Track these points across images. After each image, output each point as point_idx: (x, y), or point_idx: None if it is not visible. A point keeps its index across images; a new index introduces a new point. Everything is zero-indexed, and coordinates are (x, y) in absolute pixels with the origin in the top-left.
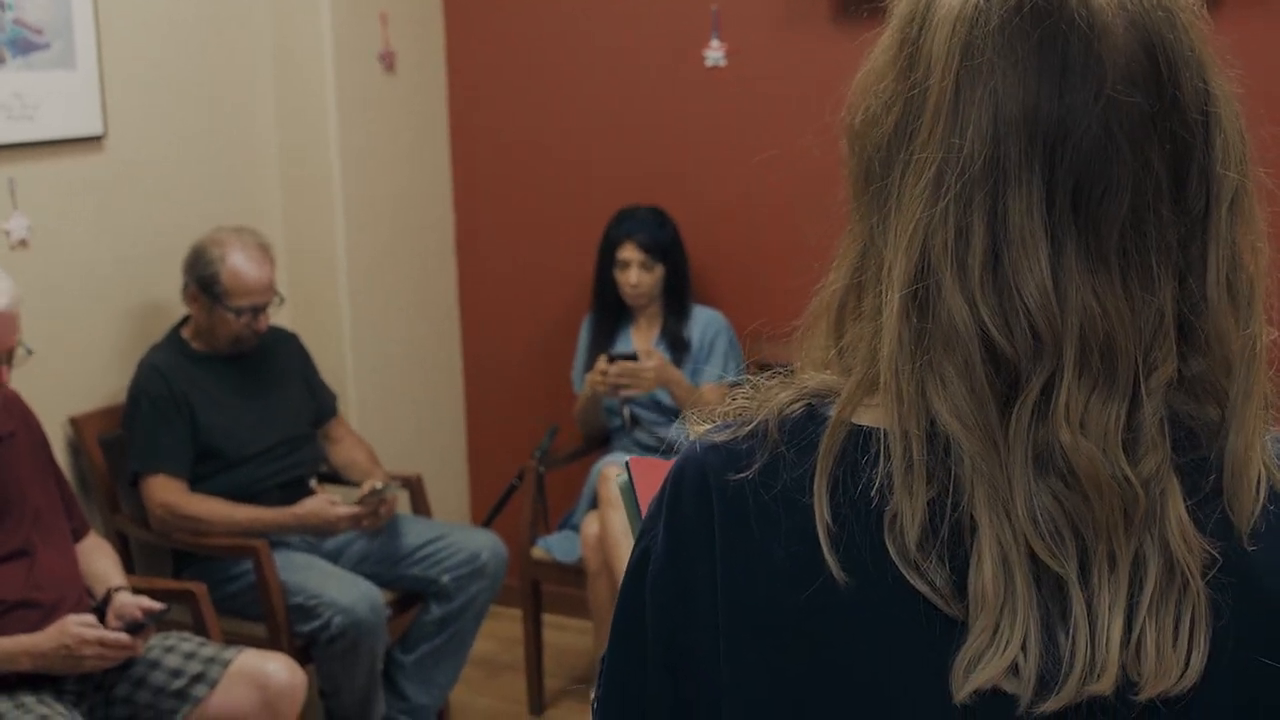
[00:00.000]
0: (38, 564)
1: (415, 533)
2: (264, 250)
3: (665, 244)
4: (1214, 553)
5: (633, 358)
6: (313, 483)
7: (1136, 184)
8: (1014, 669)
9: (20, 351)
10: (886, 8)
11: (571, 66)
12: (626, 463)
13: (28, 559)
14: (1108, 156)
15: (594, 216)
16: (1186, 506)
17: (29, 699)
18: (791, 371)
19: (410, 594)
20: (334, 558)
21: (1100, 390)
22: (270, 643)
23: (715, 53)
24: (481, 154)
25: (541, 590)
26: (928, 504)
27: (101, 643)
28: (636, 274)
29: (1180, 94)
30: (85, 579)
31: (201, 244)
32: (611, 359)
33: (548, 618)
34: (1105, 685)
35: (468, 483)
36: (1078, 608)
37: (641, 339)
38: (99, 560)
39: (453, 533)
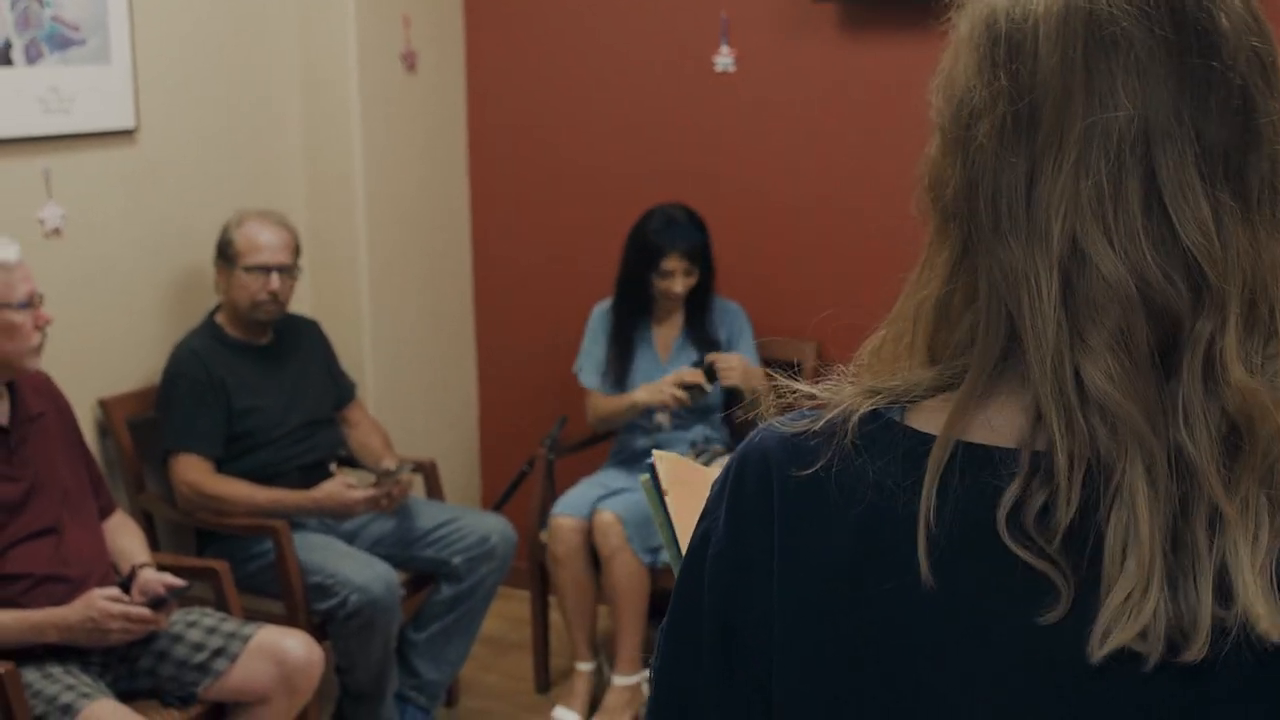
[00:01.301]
0: (66, 541)
1: (428, 516)
2: (282, 222)
3: (705, 249)
4: None
5: (709, 378)
6: (332, 466)
7: (1272, 137)
8: (1143, 633)
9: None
10: (894, 18)
11: (585, 69)
12: (650, 464)
13: (56, 535)
14: (1250, 109)
15: (605, 212)
16: None
17: (56, 669)
18: (856, 370)
19: (423, 574)
20: (350, 539)
21: (1258, 338)
22: (288, 620)
23: (725, 58)
24: (497, 151)
25: (548, 573)
26: (1081, 492)
27: (126, 617)
28: (681, 281)
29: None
30: (111, 555)
31: (227, 223)
32: (686, 387)
33: (555, 599)
34: (1269, 629)
35: (479, 468)
36: (1206, 564)
37: (664, 334)
38: (125, 538)
39: (464, 516)
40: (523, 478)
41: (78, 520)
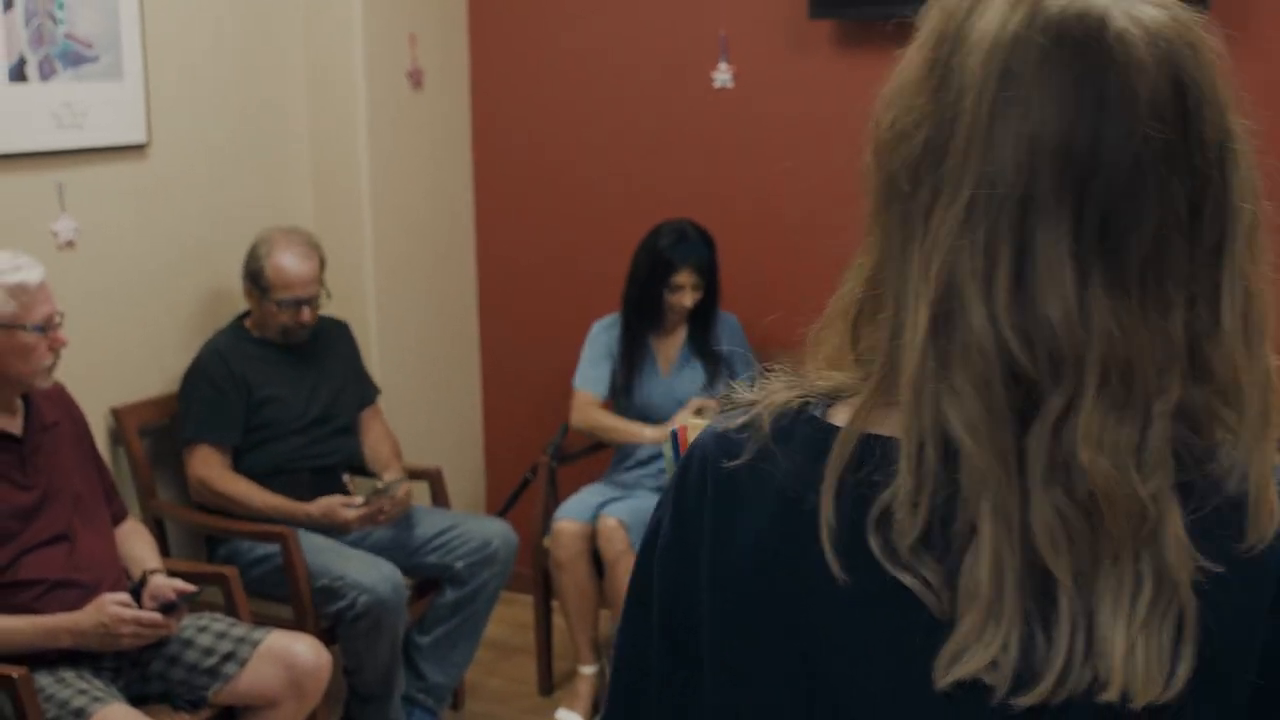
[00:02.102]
0: (78, 547)
1: (430, 522)
2: (310, 248)
3: (713, 264)
4: (1211, 567)
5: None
6: (345, 476)
7: (1160, 216)
8: (994, 664)
9: (58, 317)
10: (913, 25)
11: (587, 86)
12: (673, 431)
13: (69, 542)
14: (1136, 190)
15: (606, 224)
16: (1185, 525)
17: (69, 674)
18: (798, 370)
19: (427, 580)
20: (355, 545)
21: (1117, 411)
22: (296, 624)
23: (723, 75)
24: (501, 166)
25: (551, 577)
26: (929, 511)
27: (138, 622)
28: (691, 295)
29: (1203, 129)
30: (123, 561)
31: (255, 241)
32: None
33: (557, 604)
34: (1112, 693)
35: (484, 475)
36: (1065, 614)
37: (665, 348)
38: (136, 544)
39: (466, 522)
40: (525, 485)
41: (90, 527)
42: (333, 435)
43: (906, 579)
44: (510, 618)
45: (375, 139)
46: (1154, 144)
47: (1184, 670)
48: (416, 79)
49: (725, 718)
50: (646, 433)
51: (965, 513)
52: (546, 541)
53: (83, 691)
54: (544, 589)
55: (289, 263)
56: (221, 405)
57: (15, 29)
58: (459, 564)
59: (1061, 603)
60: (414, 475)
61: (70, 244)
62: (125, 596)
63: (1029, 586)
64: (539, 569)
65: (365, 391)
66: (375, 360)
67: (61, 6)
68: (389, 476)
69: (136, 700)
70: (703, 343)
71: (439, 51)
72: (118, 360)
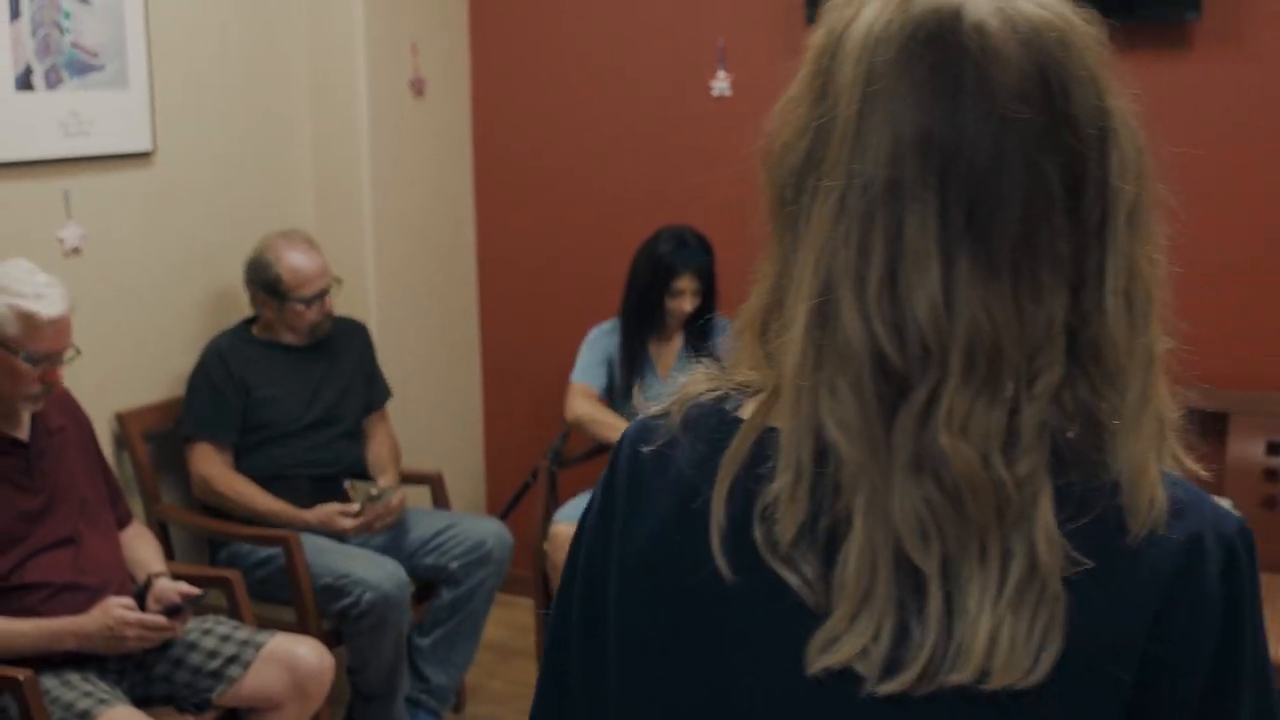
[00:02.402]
0: (84, 550)
1: (427, 524)
2: (310, 242)
3: (712, 270)
4: (1080, 558)
5: None
6: (347, 483)
7: (1028, 197)
8: (865, 652)
9: (69, 353)
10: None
11: (587, 94)
12: None
13: (75, 545)
14: (999, 172)
15: (605, 230)
16: (1057, 511)
17: (74, 676)
18: (723, 365)
19: (426, 582)
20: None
21: (984, 396)
22: (299, 627)
23: (721, 83)
24: (501, 173)
25: (551, 581)
26: (808, 505)
27: (142, 625)
28: (690, 301)
29: (1073, 110)
30: (128, 565)
31: (256, 252)
32: None
33: None
34: (967, 674)
35: (484, 478)
36: (934, 602)
37: (663, 353)
38: (141, 548)
39: (460, 522)
40: (526, 489)
41: (96, 531)
42: (334, 440)
43: (784, 572)
44: (511, 620)
45: (377, 146)
46: (1016, 126)
47: (1048, 658)
48: (418, 87)
49: (628, 705)
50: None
51: (841, 506)
52: (546, 545)
53: (88, 694)
54: (544, 592)
55: (300, 260)
56: (220, 404)
57: (22, 38)
58: (454, 564)
59: (931, 591)
60: (415, 479)
61: (76, 250)
62: (130, 600)
63: (900, 576)
64: (539, 572)
65: (374, 395)
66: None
67: (68, 16)
68: (383, 483)
69: (141, 703)
70: (700, 348)
71: (440, 60)
72: (122, 365)
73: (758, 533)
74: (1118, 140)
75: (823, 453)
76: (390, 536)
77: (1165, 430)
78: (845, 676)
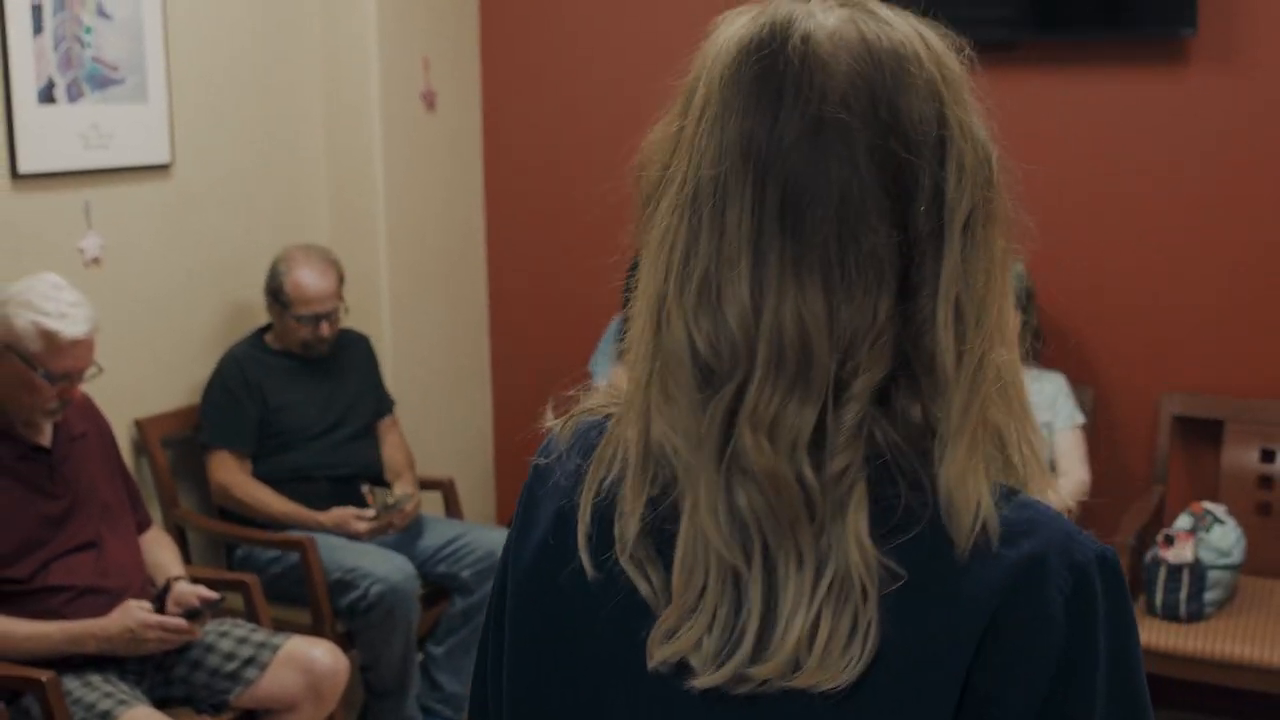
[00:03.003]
0: (105, 554)
1: (439, 533)
2: (328, 264)
3: None
4: (896, 569)
5: None
6: (365, 487)
7: (844, 199)
8: (698, 645)
9: (91, 370)
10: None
11: (595, 107)
12: None
13: (96, 549)
14: (815, 174)
15: (613, 240)
16: (879, 520)
17: (95, 678)
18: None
19: (438, 589)
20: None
21: (793, 394)
22: (314, 629)
23: None
24: (512, 185)
25: None
26: (647, 506)
27: (163, 627)
28: None
29: (901, 119)
30: (148, 569)
31: (275, 259)
32: None
33: None
34: (771, 670)
35: (494, 486)
36: (754, 599)
37: None
38: (160, 552)
39: (471, 531)
40: None
41: (116, 535)
42: (349, 442)
43: (630, 569)
44: None
45: (390, 158)
46: (836, 129)
47: (859, 666)
48: (430, 101)
49: (515, 706)
50: None
51: (672, 505)
52: None
53: (108, 695)
54: None
55: (308, 279)
56: (236, 412)
57: (45, 52)
58: (465, 573)
59: (751, 587)
60: (426, 486)
61: (96, 260)
62: (149, 604)
63: (725, 573)
64: None
65: (382, 403)
66: (389, 373)
67: (89, 31)
68: (399, 490)
69: (160, 704)
70: None
71: (452, 74)
72: (141, 372)
73: (615, 531)
74: (956, 152)
75: (660, 455)
76: (403, 538)
77: (1006, 446)
78: (683, 669)
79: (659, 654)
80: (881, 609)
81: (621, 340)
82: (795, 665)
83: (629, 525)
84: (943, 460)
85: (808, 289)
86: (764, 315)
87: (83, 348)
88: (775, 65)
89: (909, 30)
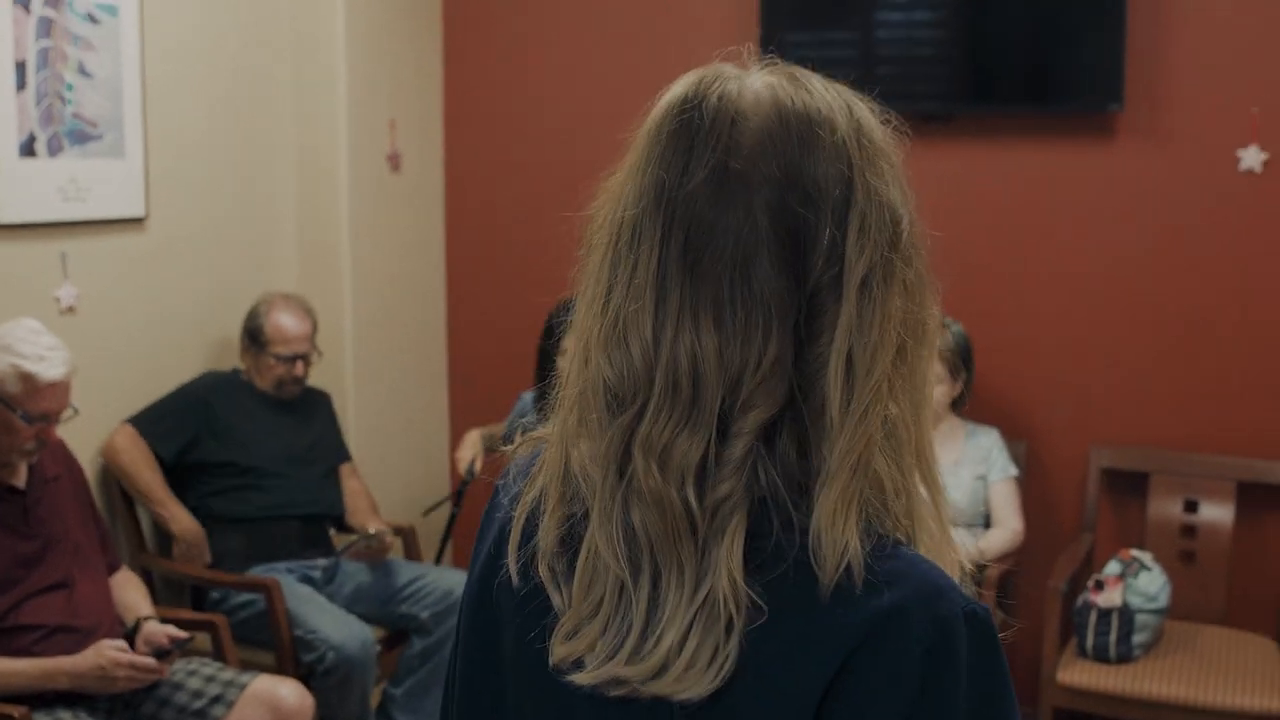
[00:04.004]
0: (76, 594)
1: (400, 574)
2: (305, 311)
3: None
4: (757, 599)
5: None
6: (332, 532)
7: (738, 244)
8: (591, 648)
9: (67, 413)
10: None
11: (554, 169)
12: None
13: (67, 589)
14: (714, 218)
15: (568, 295)
16: (752, 554)
17: (65, 714)
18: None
19: (398, 630)
20: (333, 596)
21: (684, 424)
22: (278, 669)
23: None
24: (471, 242)
25: None
26: (564, 522)
27: (133, 665)
28: None
29: (803, 177)
30: (118, 608)
31: (256, 302)
32: None
33: None
34: (640, 674)
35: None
36: (638, 609)
37: None
38: (130, 592)
39: (430, 573)
40: (453, 520)
41: (87, 575)
42: (316, 481)
43: (545, 578)
44: None
45: (356, 216)
46: (739, 179)
47: (715, 682)
48: (395, 162)
49: (463, 708)
50: (473, 433)
51: (583, 520)
52: None
53: None
54: None
55: (286, 321)
56: (175, 420)
57: (27, 108)
58: (424, 613)
59: (636, 599)
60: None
61: (71, 309)
62: (121, 642)
63: (615, 585)
64: None
65: (341, 451)
66: (352, 419)
67: (70, 88)
68: (375, 527)
69: None
70: None
71: (416, 136)
72: (113, 418)
73: (537, 544)
74: (859, 214)
75: (576, 474)
76: (373, 579)
77: (885, 495)
78: (577, 668)
79: (558, 652)
80: (743, 636)
81: (529, 415)
82: (662, 672)
83: (547, 539)
84: (818, 502)
85: (702, 326)
86: (662, 349)
87: (60, 390)
88: (692, 120)
89: (831, 99)
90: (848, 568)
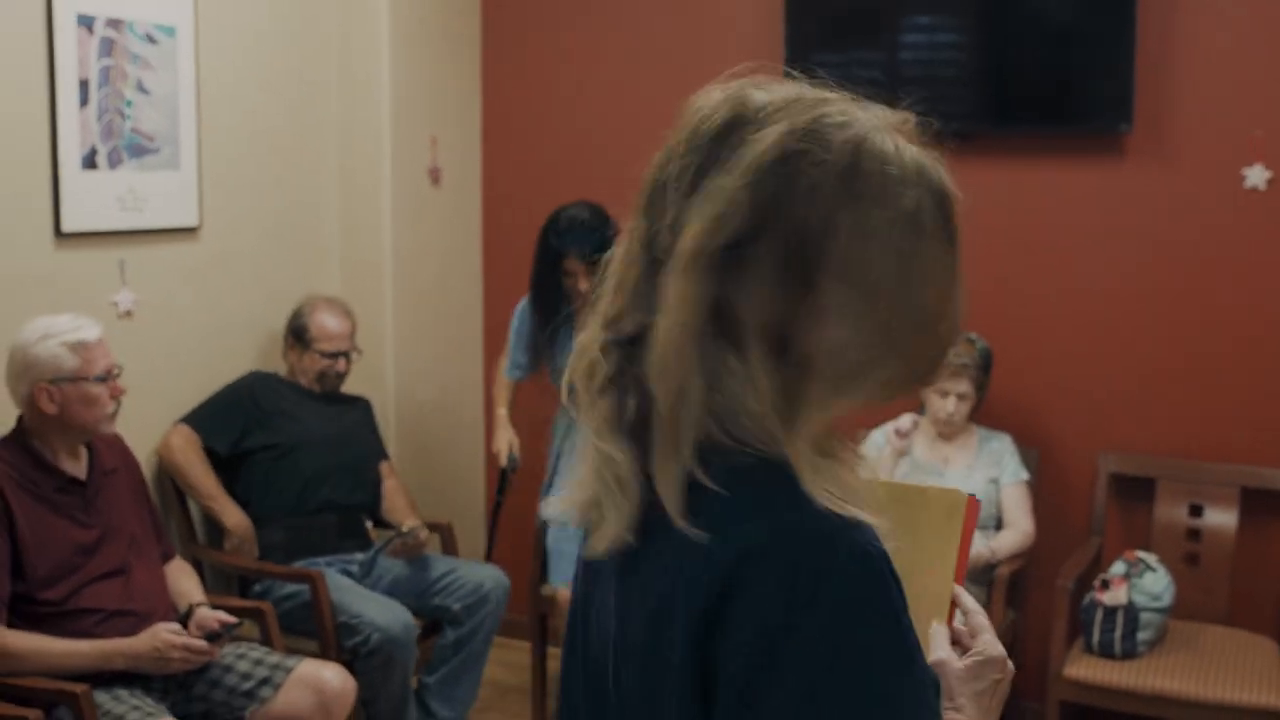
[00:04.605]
0: (133, 580)
1: (434, 568)
2: (346, 311)
3: (609, 246)
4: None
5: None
6: (369, 524)
7: (668, 245)
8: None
9: (117, 369)
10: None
11: (588, 184)
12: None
13: (124, 576)
14: (682, 213)
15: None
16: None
17: (123, 693)
18: None
19: (433, 621)
20: (375, 584)
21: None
22: (322, 655)
23: None
24: (508, 254)
25: (548, 624)
26: None
27: (186, 648)
28: (585, 281)
29: (795, 206)
30: (171, 595)
31: (299, 304)
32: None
33: (553, 650)
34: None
35: (485, 529)
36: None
37: None
38: (183, 580)
39: (461, 567)
40: (499, 508)
41: (143, 563)
42: (355, 473)
43: None
44: (508, 660)
45: (398, 227)
46: (755, 184)
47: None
48: (435, 176)
49: None
50: (500, 410)
51: None
52: (544, 590)
53: (136, 708)
54: (541, 634)
55: (329, 320)
56: (227, 417)
57: (89, 123)
58: (456, 605)
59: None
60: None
61: (129, 313)
62: (176, 625)
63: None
64: (536, 615)
65: (380, 450)
66: (393, 422)
67: (129, 105)
68: (410, 524)
69: (181, 719)
70: None
71: (456, 152)
72: (167, 416)
73: None
74: (839, 246)
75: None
76: (409, 574)
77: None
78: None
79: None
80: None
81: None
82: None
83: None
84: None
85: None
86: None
87: (105, 346)
88: (724, 137)
89: (846, 123)
90: (701, 511)
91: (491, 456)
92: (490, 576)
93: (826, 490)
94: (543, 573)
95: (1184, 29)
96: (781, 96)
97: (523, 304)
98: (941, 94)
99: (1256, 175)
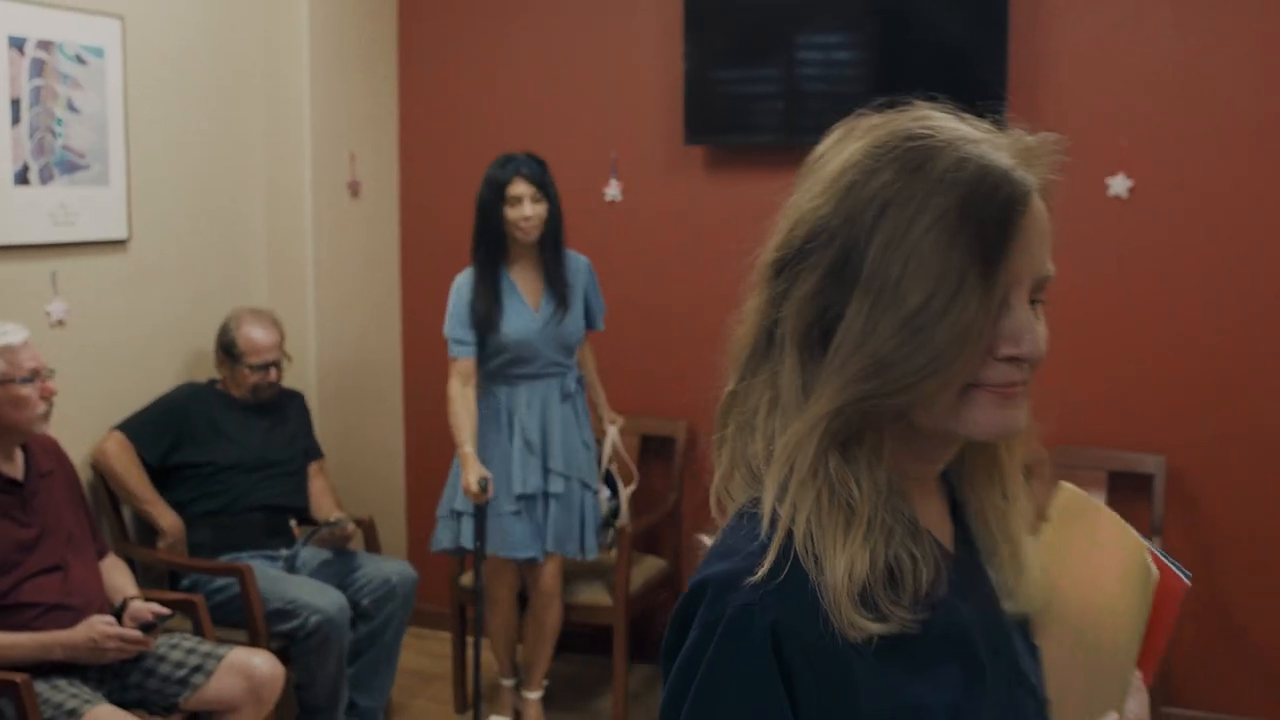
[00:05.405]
0: (70, 576)
1: (345, 564)
2: (272, 321)
3: (549, 180)
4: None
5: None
6: (292, 522)
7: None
8: None
9: (46, 370)
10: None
11: None
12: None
13: (62, 572)
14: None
15: None
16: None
17: (62, 682)
18: None
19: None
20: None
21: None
22: (251, 644)
23: (614, 190)
24: (424, 262)
25: (466, 613)
26: None
27: (121, 638)
28: (530, 206)
29: (851, 213)
30: (106, 589)
31: (226, 319)
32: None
33: (481, 636)
34: None
35: (405, 524)
36: None
37: (527, 283)
38: (117, 575)
39: (369, 562)
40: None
41: (79, 559)
42: (282, 478)
43: None
44: (428, 649)
45: (320, 238)
46: (823, 200)
47: None
48: (355, 189)
49: None
50: (465, 449)
51: None
52: (463, 579)
53: (74, 695)
54: (460, 624)
55: (256, 333)
56: (158, 428)
57: (21, 140)
58: (365, 600)
59: None
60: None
61: (61, 323)
62: (110, 618)
63: None
64: (456, 606)
65: (311, 449)
66: (316, 420)
67: (60, 123)
68: (337, 514)
69: (117, 706)
70: (558, 277)
71: (374, 166)
72: (100, 422)
73: None
74: (872, 248)
75: None
76: (329, 565)
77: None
78: None
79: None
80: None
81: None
82: None
83: None
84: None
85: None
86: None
87: (31, 349)
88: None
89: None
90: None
91: (410, 453)
92: (396, 571)
93: (797, 524)
94: (480, 550)
95: (1052, 47)
96: (872, 122)
97: (459, 279)
98: (840, 109)
99: (1119, 184)
